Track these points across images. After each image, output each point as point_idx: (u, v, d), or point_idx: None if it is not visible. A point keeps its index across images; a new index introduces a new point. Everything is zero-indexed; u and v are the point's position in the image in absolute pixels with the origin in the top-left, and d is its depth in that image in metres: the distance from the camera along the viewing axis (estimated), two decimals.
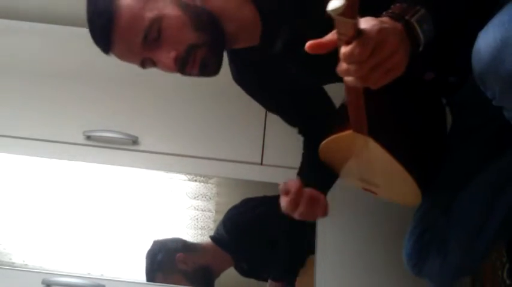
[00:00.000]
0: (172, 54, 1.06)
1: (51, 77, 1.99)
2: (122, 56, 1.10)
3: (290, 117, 1.42)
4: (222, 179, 1.96)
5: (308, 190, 1.21)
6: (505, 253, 1.45)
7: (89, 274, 1.75)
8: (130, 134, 1.89)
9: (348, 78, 0.81)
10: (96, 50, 1.12)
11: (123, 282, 1.73)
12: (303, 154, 1.41)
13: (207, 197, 1.94)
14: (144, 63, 1.10)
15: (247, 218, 1.88)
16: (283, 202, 1.20)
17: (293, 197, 1.19)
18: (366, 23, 0.79)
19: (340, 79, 0.83)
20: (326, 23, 0.73)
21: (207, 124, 1.93)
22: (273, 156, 1.87)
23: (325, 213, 1.24)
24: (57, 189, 1.92)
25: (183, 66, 1.08)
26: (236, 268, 1.86)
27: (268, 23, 1.11)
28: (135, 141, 1.88)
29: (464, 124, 1.19)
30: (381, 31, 0.79)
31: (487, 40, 0.86)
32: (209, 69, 1.10)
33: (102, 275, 1.77)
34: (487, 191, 1.13)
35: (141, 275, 1.79)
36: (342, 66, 0.79)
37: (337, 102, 1.33)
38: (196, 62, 1.08)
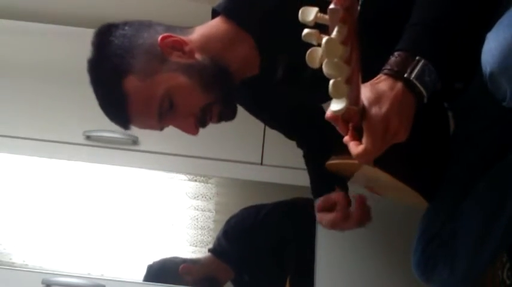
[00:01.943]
0: (191, 120, 1.10)
1: (51, 77, 1.99)
2: (142, 128, 1.14)
3: (289, 134, 1.43)
4: (222, 179, 1.96)
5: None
6: (505, 253, 1.44)
7: (89, 274, 1.75)
8: (130, 134, 1.87)
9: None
10: None
11: (123, 282, 1.72)
12: (311, 169, 1.40)
13: (207, 197, 1.94)
14: (162, 128, 1.14)
15: (248, 225, 1.87)
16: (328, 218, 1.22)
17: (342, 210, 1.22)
18: (366, 99, 0.82)
19: None
20: None
21: None
22: (273, 156, 1.86)
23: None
24: (57, 189, 1.92)
25: (203, 125, 1.12)
26: (235, 281, 1.85)
27: (265, 51, 1.11)
28: (135, 141, 1.88)
29: (468, 128, 1.17)
30: (384, 119, 0.82)
31: (498, 40, 0.84)
32: (227, 117, 1.14)
33: (102, 275, 1.77)
34: (491, 196, 1.12)
35: (141, 275, 1.79)
36: (354, 151, 0.84)
37: None
38: (214, 115, 1.12)
